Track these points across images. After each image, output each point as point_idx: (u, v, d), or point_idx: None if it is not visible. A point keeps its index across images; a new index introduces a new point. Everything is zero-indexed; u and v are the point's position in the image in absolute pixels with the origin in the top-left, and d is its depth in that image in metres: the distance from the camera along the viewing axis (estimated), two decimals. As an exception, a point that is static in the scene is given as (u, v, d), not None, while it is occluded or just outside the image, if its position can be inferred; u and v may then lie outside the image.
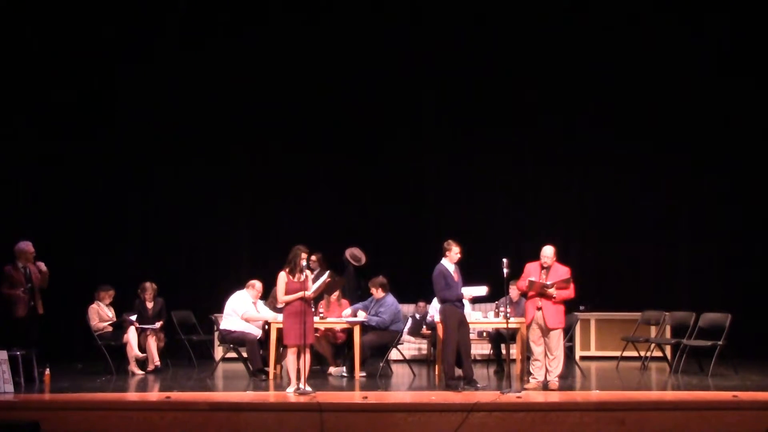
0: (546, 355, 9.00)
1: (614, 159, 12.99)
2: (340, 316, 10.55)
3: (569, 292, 9.03)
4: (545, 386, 8.93)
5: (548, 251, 9.07)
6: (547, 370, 9.00)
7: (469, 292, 9.23)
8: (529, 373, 9.15)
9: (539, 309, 8.95)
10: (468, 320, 10.39)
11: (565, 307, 9.15)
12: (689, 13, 12.59)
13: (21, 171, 12.26)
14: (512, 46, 12.90)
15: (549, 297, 8.95)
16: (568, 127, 12.93)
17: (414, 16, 12.88)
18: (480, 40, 12.91)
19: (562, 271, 9.04)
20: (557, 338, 9.00)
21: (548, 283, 8.92)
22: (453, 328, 8.98)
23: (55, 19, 12.31)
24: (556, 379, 9.01)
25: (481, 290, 9.73)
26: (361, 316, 10.49)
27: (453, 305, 9.02)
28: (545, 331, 8.97)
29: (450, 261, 9.07)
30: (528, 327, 9.10)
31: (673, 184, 12.97)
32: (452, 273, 9.03)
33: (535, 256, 9.22)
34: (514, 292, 10.23)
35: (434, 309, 10.35)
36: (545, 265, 9.03)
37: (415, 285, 11.38)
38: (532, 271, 9.03)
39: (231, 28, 12.85)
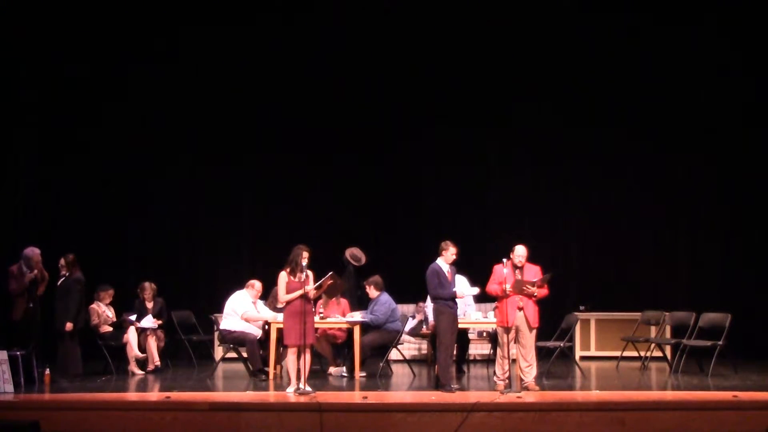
0: (519, 357, 9.00)
1: (614, 159, 13.00)
2: (340, 314, 10.55)
3: (545, 290, 9.05)
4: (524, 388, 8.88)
5: (522, 250, 9.02)
6: (522, 372, 8.99)
7: (462, 290, 9.28)
8: (495, 374, 9.13)
9: (521, 309, 8.94)
10: (468, 320, 10.44)
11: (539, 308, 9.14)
12: (691, 14, 12.59)
13: (22, 170, 12.26)
14: (510, 47, 12.91)
15: (530, 296, 8.93)
16: (569, 128, 12.90)
17: (411, 19, 12.88)
18: (478, 40, 12.92)
19: (535, 270, 9.03)
20: (534, 339, 9.03)
21: (534, 280, 8.90)
22: (446, 328, 8.97)
23: (54, 22, 12.34)
24: (533, 380, 9.00)
25: (473, 289, 9.81)
26: (359, 315, 10.50)
27: (445, 304, 9.00)
28: (525, 332, 8.96)
29: (445, 261, 9.07)
30: (508, 329, 8.97)
31: (673, 183, 12.97)
32: (446, 273, 9.03)
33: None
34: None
35: (429, 306, 10.37)
36: (519, 265, 8.99)
37: (415, 285, 11.36)
38: (502, 272, 8.95)
39: (230, 28, 12.85)
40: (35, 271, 9.93)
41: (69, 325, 9.98)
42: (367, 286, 10.67)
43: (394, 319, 10.49)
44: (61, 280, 10.19)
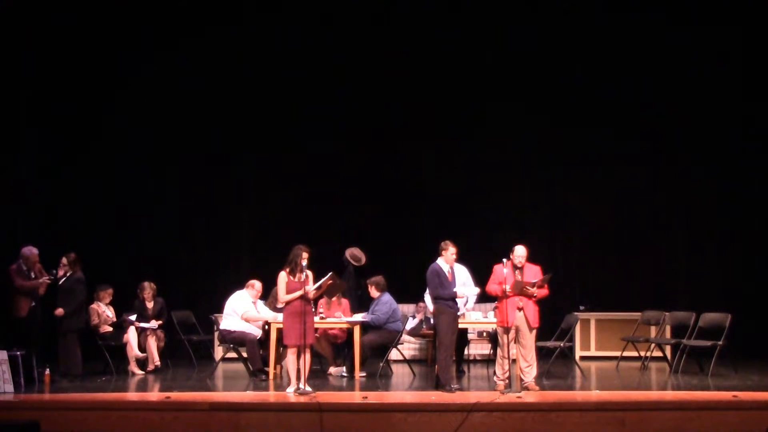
0: (519, 357, 9.01)
1: (614, 159, 12.99)
2: (342, 314, 10.55)
3: (546, 291, 9.06)
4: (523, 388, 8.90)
5: (521, 251, 9.03)
6: (522, 372, 9.01)
7: (462, 290, 9.29)
8: (495, 374, 9.13)
9: (520, 309, 8.95)
10: (468, 320, 10.45)
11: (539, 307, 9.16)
12: (690, 17, 12.59)
13: (22, 170, 12.25)
14: (511, 48, 12.92)
15: (529, 296, 8.93)
16: (569, 128, 12.90)
17: (411, 18, 12.89)
18: (479, 41, 12.93)
19: (536, 270, 9.04)
20: (534, 339, 9.04)
21: (534, 281, 8.91)
22: (446, 328, 8.96)
23: (57, 21, 12.34)
24: (533, 380, 9.01)
25: (474, 289, 9.77)
26: (360, 316, 10.50)
27: (445, 304, 9.01)
28: (525, 332, 8.96)
29: (445, 261, 9.08)
30: (507, 329, 8.96)
31: (673, 184, 12.97)
32: (446, 273, 9.04)
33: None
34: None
35: (428, 302, 10.39)
36: (519, 265, 9.00)
37: (415, 285, 11.37)
38: (502, 272, 8.95)
39: (230, 26, 12.86)
40: (47, 277, 9.96)
41: (60, 311, 9.99)
42: (369, 286, 10.67)
43: (395, 319, 10.49)
44: (63, 279, 10.20)
